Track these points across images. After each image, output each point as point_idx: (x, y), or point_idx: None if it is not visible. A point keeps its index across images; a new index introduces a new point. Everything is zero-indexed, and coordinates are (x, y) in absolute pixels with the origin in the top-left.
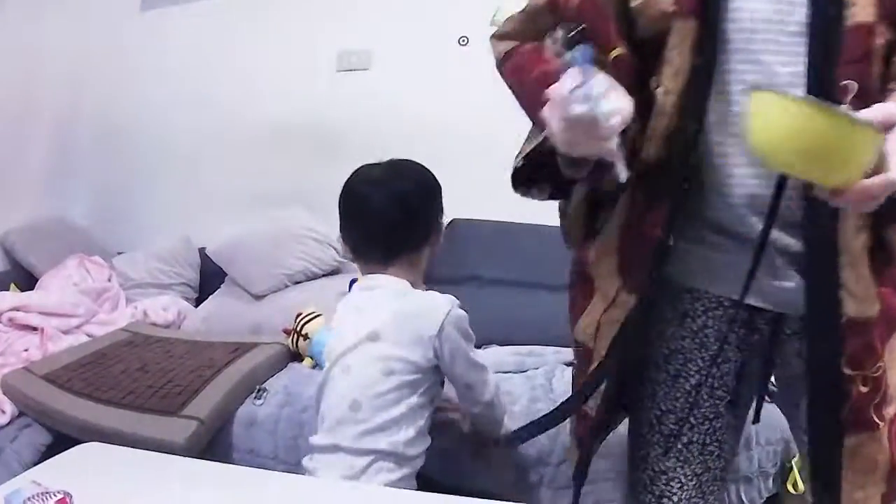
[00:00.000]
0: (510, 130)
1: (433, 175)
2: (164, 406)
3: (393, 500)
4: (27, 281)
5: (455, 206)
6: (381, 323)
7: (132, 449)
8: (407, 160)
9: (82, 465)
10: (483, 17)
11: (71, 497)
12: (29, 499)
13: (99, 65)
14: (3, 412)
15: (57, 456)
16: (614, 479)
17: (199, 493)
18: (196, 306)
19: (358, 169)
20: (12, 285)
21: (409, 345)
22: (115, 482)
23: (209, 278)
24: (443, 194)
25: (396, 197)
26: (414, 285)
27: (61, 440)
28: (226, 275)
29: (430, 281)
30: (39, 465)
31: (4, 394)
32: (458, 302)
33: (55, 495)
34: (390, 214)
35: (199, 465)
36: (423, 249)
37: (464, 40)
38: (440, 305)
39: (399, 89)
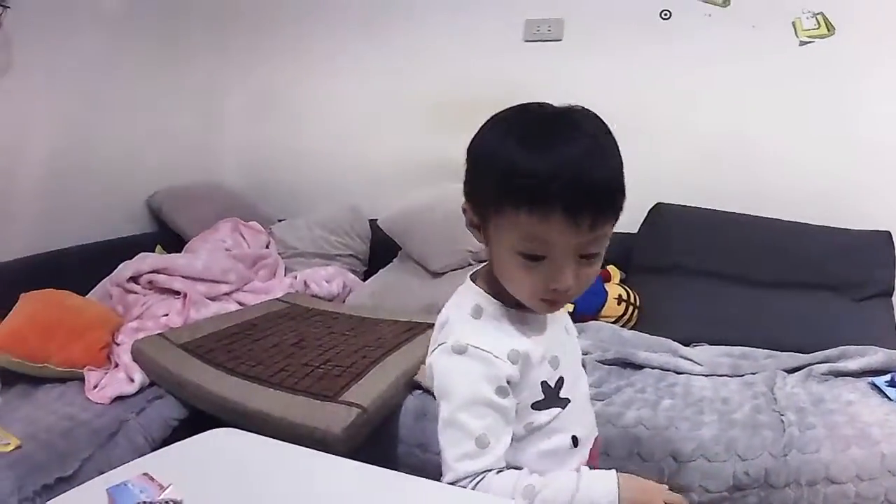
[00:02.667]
0: (714, 113)
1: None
2: (322, 389)
3: None
4: (177, 245)
5: (657, 190)
6: None
7: (273, 440)
8: (585, 112)
9: (210, 455)
10: None
11: None
12: None
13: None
14: (132, 380)
15: (181, 443)
16: None
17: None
18: (364, 280)
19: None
20: (158, 247)
21: None
22: (248, 481)
23: (380, 251)
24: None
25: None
26: (490, 291)
27: (196, 417)
28: (399, 249)
29: (631, 267)
30: (158, 452)
31: (135, 361)
32: (455, 342)
33: None
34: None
35: (353, 469)
36: (479, 234)
37: (666, 14)
38: (436, 340)
39: (593, 63)
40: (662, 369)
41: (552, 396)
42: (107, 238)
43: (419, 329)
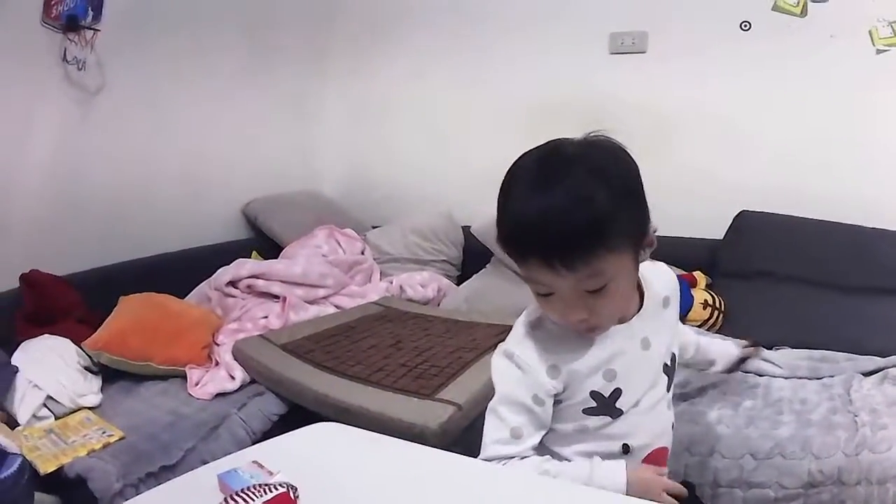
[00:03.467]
0: (794, 120)
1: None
2: (419, 387)
3: None
4: (273, 252)
5: (740, 198)
6: None
7: (374, 434)
8: (587, 149)
9: (315, 447)
10: (766, 0)
11: (296, 491)
12: (245, 490)
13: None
14: (233, 378)
15: (286, 434)
16: None
17: (448, 492)
18: (457, 285)
19: None
20: (254, 254)
21: None
22: (351, 470)
23: (473, 257)
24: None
25: None
26: None
27: (296, 412)
28: (491, 255)
29: (717, 272)
30: (265, 443)
31: (235, 359)
32: (506, 347)
33: (276, 488)
34: None
35: (452, 460)
36: None
37: (746, 25)
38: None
39: (676, 74)
40: (744, 371)
41: (605, 405)
42: (204, 244)
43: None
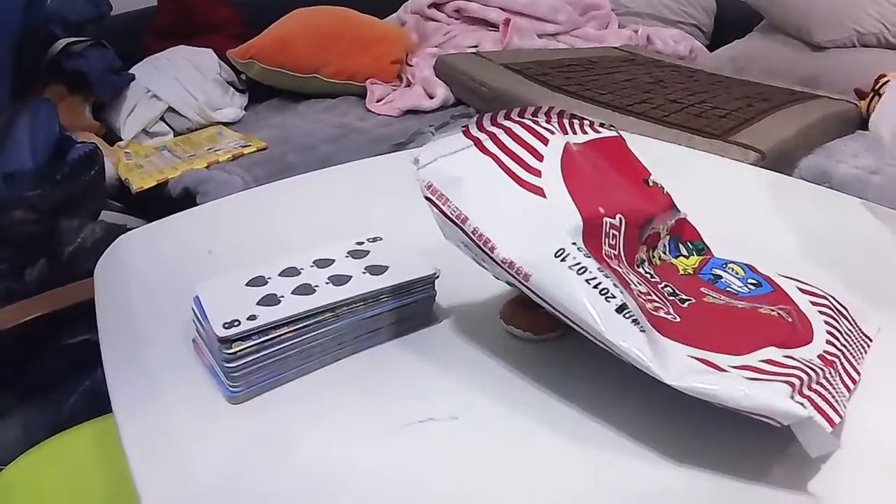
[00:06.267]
0: None
1: None
2: (702, 126)
3: None
4: None
5: None
6: None
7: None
8: None
9: None
10: None
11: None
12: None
13: None
14: (431, 97)
15: None
16: None
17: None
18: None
19: None
20: None
21: None
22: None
23: (724, 29)
24: None
25: None
26: None
27: None
28: (755, 24)
29: None
30: None
31: (439, 76)
32: None
33: (601, 128)
34: None
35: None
36: None
37: None
38: None
39: None
40: None
41: None
42: None
43: (804, 97)
